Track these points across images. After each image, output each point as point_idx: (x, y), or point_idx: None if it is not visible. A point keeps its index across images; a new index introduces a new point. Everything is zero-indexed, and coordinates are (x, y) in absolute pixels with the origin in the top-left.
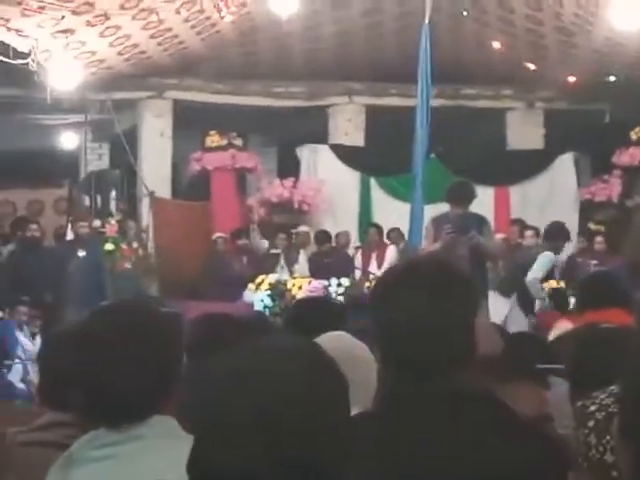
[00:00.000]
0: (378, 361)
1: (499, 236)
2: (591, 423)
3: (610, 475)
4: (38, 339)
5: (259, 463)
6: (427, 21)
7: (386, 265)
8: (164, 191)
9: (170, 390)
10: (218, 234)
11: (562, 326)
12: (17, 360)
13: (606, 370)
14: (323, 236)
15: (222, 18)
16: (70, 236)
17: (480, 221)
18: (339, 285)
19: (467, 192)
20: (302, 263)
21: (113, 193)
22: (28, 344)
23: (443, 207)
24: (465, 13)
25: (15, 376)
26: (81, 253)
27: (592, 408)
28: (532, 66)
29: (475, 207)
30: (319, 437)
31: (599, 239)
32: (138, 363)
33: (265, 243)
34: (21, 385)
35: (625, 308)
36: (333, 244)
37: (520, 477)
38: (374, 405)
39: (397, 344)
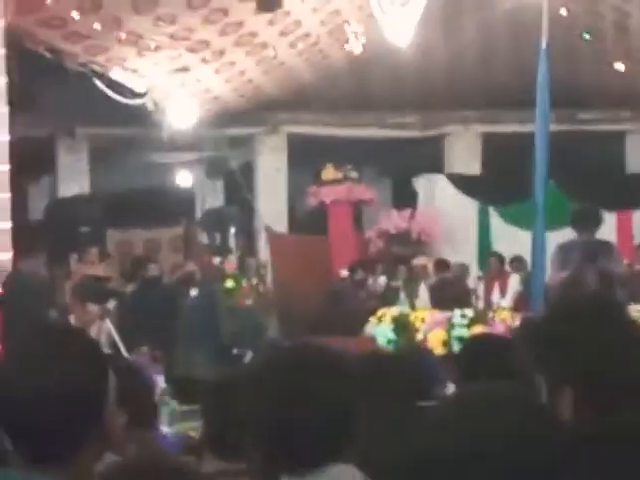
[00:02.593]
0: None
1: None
2: None
3: None
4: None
5: None
6: (544, 45)
7: (510, 294)
8: (281, 226)
9: (350, 434)
10: (343, 272)
11: None
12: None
13: None
14: (442, 264)
15: (352, 51)
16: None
17: (607, 247)
18: (463, 316)
19: (594, 217)
20: (423, 295)
21: (231, 230)
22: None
23: (563, 233)
24: (587, 36)
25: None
26: (194, 292)
27: None
28: None
29: (597, 233)
30: None
31: None
32: (323, 404)
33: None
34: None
35: None
36: (452, 274)
37: None
38: None
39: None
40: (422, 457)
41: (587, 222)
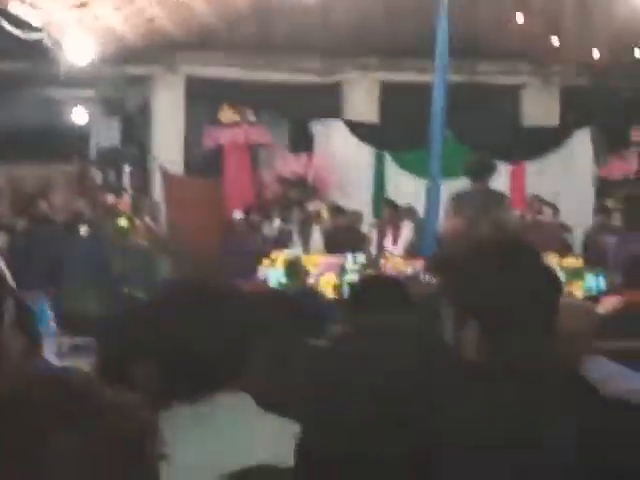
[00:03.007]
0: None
1: (516, 212)
2: None
3: None
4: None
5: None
6: None
7: (402, 241)
8: (176, 166)
9: (246, 362)
10: (238, 214)
11: (611, 302)
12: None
13: None
14: (337, 211)
15: None
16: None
17: (500, 198)
18: (355, 262)
19: (487, 166)
20: (316, 239)
21: (126, 169)
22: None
23: (459, 183)
24: None
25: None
26: (84, 230)
27: None
28: (552, 41)
29: (491, 183)
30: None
31: (616, 215)
32: (214, 331)
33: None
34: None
35: None
36: (346, 220)
37: None
38: None
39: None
40: (314, 388)
41: (481, 171)
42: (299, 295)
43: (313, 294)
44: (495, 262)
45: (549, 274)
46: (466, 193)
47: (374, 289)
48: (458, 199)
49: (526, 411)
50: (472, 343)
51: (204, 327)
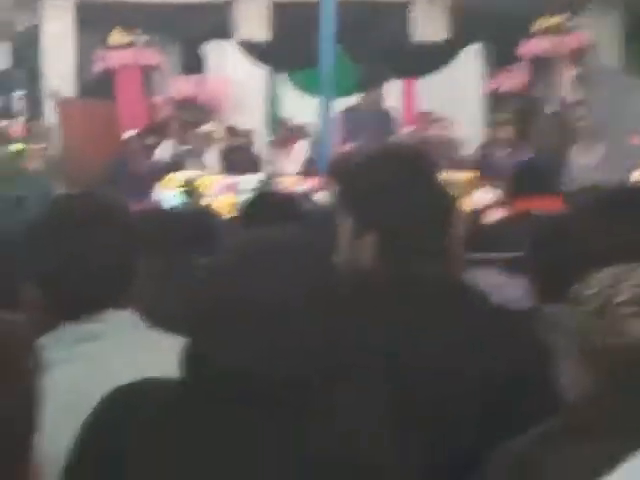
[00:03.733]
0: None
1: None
2: (591, 306)
3: (611, 359)
4: None
5: (265, 359)
6: None
7: (297, 160)
8: (69, 91)
9: (131, 280)
10: (129, 133)
11: (494, 214)
12: None
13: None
14: (231, 131)
15: None
16: None
17: (388, 116)
18: (250, 182)
19: (378, 77)
20: (212, 160)
21: (18, 94)
22: None
23: (351, 100)
24: None
25: None
26: None
27: (590, 292)
28: None
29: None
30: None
31: (506, 129)
32: (99, 250)
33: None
34: None
35: (555, 194)
36: (240, 141)
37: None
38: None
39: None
40: (200, 304)
41: (372, 82)
42: (190, 214)
43: (205, 213)
44: (395, 169)
45: (443, 187)
46: (358, 112)
47: (264, 205)
48: (351, 117)
49: (414, 323)
50: (367, 253)
51: (85, 245)
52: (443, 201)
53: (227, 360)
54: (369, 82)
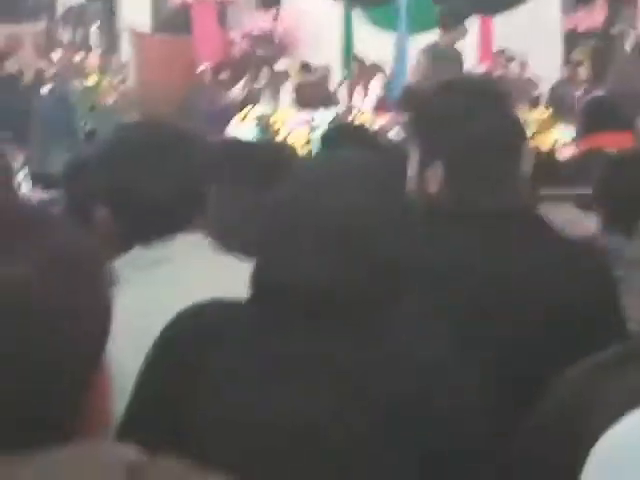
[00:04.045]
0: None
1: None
2: None
3: None
4: (22, 174)
5: (330, 275)
6: None
7: (371, 97)
8: (145, 25)
9: (202, 206)
10: (204, 66)
11: (567, 151)
12: None
13: None
14: (305, 68)
15: None
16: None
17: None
18: (324, 118)
19: (458, 17)
20: (285, 96)
21: (94, 27)
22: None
23: (428, 37)
24: None
25: None
26: (45, 89)
27: None
28: None
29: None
30: (389, 248)
31: (583, 67)
32: (169, 173)
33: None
34: None
35: (627, 130)
36: (315, 77)
37: (571, 289)
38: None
39: (462, 162)
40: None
41: (453, 21)
42: (264, 146)
43: (280, 146)
44: (461, 99)
45: (515, 120)
46: (437, 48)
47: (341, 135)
48: (427, 53)
49: (486, 250)
50: (435, 183)
51: (156, 170)
52: (511, 133)
53: (296, 277)
54: (447, 19)
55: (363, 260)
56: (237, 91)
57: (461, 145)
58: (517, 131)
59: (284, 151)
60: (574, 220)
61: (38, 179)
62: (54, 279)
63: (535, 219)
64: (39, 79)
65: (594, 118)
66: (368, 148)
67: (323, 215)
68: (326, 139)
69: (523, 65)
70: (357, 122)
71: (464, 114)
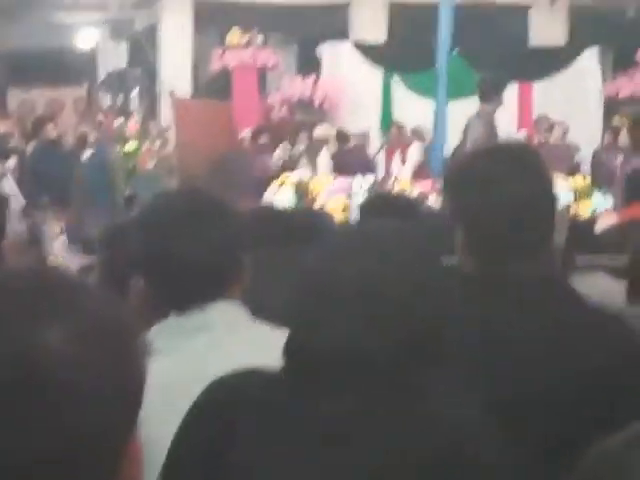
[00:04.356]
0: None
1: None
2: None
3: None
4: (62, 238)
5: (362, 341)
6: None
7: (409, 163)
8: (185, 90)
9: (239, 273)
10: (245, 131)
11: (608, 218)
12: None
13: None
14: (343, 136)
15: None
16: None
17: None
18: (362, 184)
19: (498, 86)
20: (324, 162)
21: (134, 92)
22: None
23: (467, 103)
24: None
25: None
26: (87, 153)
27: None
28: None
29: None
30: (421, 314)
31: (624, 134)
32: (206, 242)
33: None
34: None
35: None
36: (353, 142)
37: (599, 365)
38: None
39: (479, 228)
40: (303, 291)
41: (491, 91)
42: (301, 214)
43: (317, 214)
44: (487, 167)
45: (546, 188)
46: (476, 116)
47: (381, 205)
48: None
49: (514, 318)
50: (459, 249)
51: (192, 238)
52: (540, 201)
53: (328, 346)
54: (487, 90)
55: (394, 328)
56: (276, 156)
57: (478, 211)
58: (547, 199)
59: (320, 218)
60: (609, 290)
61: (77, 244)
62: (87, 348)
63: (563, 288)
64: (80, 144)
65: (635, 188)
66: (405, 217)
67: (355, 283)
68: (364, 208)
69: (564, 132)
70: (395, 189)
71: (487, 179)
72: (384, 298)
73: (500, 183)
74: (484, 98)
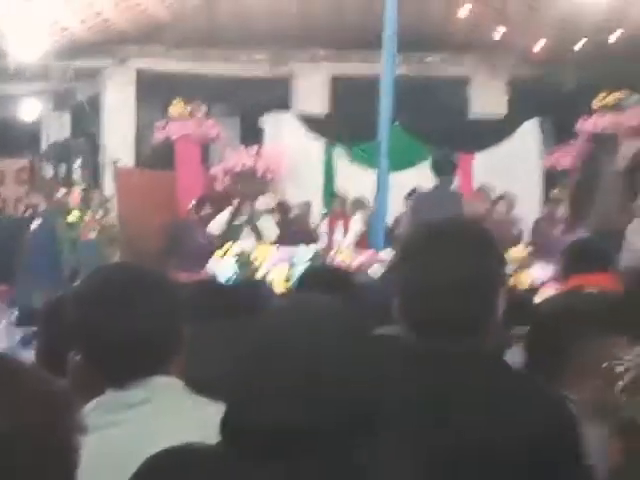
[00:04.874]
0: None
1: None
2: (621, 383)
3: None
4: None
5: (296, 417)
6: None
7: (351, 233)
8: (128, 160)
9: (177, 346)
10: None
11: (548, 290)
12: None
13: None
14: (283, 206)
15: None
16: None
17: (455, 196)
18: (305, 254)
19: (451, 162)
20: (266, 232)
21: (77, 163)
22: None
23: (408, 174)
24: None
25: None
26: (35, 224)
27: (620, 368)
28: (498, 32)
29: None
30: (353, 393)
31: (564, 206)
32: (144, 316)
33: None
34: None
35: (609, 271)
36: (295, 213)
37: (534, 436)
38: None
39: (420, 302)
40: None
41: (446, 168)
42: (242, 286)
43: (257, 285)
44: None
45: (492, 264)
46: (428, 193)
47: (316, 277)
48: (419, 199)
49: (445, 392)
50: (400, 323)
51: (128, 314)
52: (483, 277)
53: (263, 420)
54: (443, 162)
55: (327, 403)
56: (218, 226)
57: (413, 283)
58: (490, 276)
59: (261, 290)
60: None
61: (24, 314)
62: (20, 426)
63: (498, 361)
64: (22, 215)
65: (575, 260)
66: (340, 289)
67: (288, 359)
68: (301, 281)
69: (509, 206)
70: (337, 259)
71: (427, 254)
72: (316, 374)
73: (439, 259)
74: (441, 172)
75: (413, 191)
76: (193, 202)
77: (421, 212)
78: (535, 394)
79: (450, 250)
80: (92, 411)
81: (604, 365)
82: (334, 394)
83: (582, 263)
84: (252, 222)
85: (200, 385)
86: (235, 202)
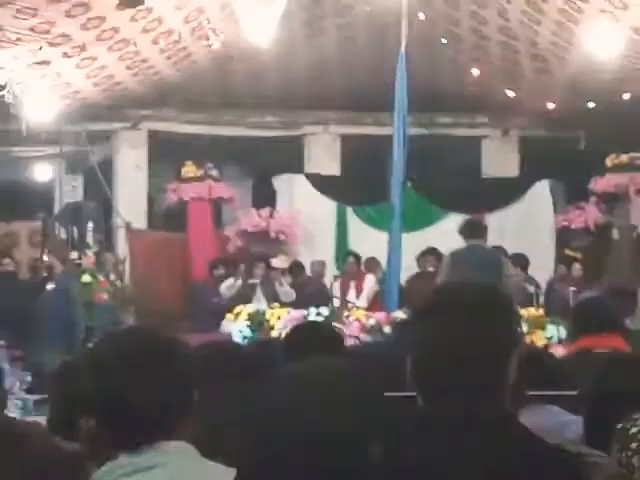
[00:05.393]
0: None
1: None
2: (634, 445)
3: None
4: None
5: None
6: (403, 50)
7: (365, 294)
8: (140, 222)
9: (187, 413)
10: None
11: (557, 351)
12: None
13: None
14: (297, 267)
15: (210, 46)
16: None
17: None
18: (318, 314)
19: (479, 225)
20: (279, 293)
21: (89, 225)
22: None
23: (421, 235)
24: (444, 41)
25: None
26: (50, 286)
27: (634, 430)
28: (509, 93)
29: (450, 235)
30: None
31: (577, 266)
32: (155, 382)
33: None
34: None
35: (618, 332)
36: (309, 274)
37: None
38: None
39: (433, 366)
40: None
41: (473, 230)
42: (254, 348)
43: (269, 346)
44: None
45: (508, 329)
46: (462, 250)
47: (308, 336)
48: (454, 257)
49: (457, 457)
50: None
51: (140, 380)
52: (498, 343)
53: None
54: (470, 225)
55: (344, 468)
56: (229, 288)
57: (423, 351)
58: (506, 340)
59: (270, 350)
60: (561, 423)
61: (37, 378)
62: None
63: (511, 426)
64: (37, 277)
65: (585, 320)
66: (332, 350)
67: (297, 425)
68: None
69: (524, 265)
70: (350, 319)
71: (438, 315)
72: (330, 441)
73: (454, 323)
74: (466, 237)
75: (427, 251)
76: (204, 266)
77: (460, 269)
78: (549, 456)
79: (466, 314)
80: (106, 475)
81: (619, 426)
82: (349, 459)
83: (591, 323)
84: (266, 284)
85: (212, 446)
86: (241, 267)
